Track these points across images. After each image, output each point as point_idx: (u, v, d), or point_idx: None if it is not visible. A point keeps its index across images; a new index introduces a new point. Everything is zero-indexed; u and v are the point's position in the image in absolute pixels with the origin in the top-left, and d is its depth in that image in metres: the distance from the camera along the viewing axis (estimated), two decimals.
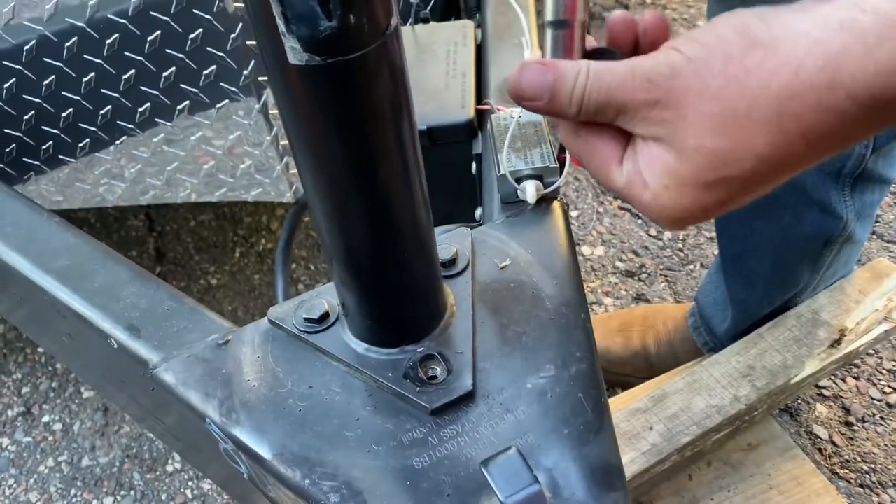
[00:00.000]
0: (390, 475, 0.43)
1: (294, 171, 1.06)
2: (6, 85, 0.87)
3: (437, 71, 0.75)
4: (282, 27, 0.29)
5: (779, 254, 0.96)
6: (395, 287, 0.45)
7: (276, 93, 0.33)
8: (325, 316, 0.50)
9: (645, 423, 0.94)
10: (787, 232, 0.93)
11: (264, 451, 0.45)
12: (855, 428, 1.11)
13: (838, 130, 0.35)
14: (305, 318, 0.50)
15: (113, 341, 0.55)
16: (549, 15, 0.44)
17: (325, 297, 0.51)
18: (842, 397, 1.15)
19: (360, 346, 0.48)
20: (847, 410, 1.13)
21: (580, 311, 0.52)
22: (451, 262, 0.53)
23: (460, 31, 0.80)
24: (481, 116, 0.71)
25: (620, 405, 0.96)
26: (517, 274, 0.53)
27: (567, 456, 0.43)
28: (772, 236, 0.95)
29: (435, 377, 0.47)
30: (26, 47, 0.86)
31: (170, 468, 1.17)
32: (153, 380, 0.51)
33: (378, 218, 0.39)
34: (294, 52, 0.29)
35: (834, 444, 1.09)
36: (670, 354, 1.12)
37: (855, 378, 1.17)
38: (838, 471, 1.07)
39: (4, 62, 0.86)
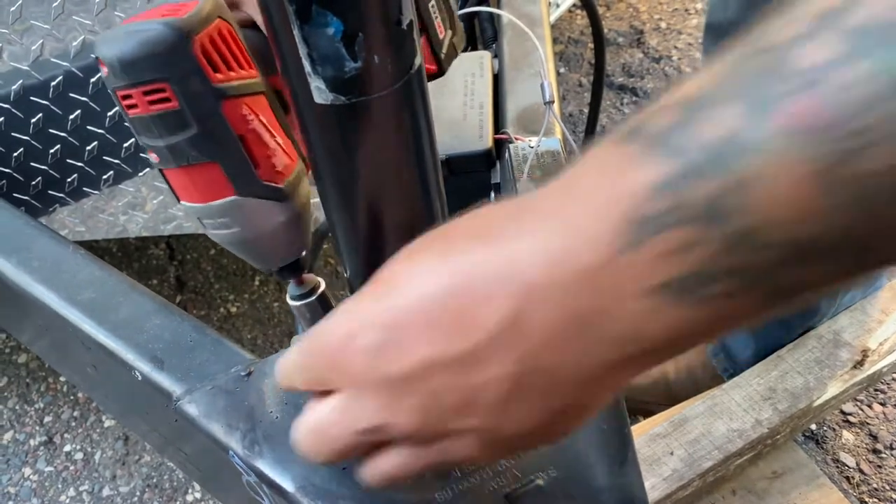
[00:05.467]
0: None
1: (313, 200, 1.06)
2: (33, 120, 0.89)
3: (454, 101, 0.76)
4: (308, 68, 0.29)
5: None
6: None
7: (302, 129, 0.34)
8: None
9: (666, 447, 0.92)
10: None
11: (287, 484, 0.45)
12: (883, 455, 1.09)
13: None
14: None
15: (137, 373, 0.55)
16: None
17: None
18: (868, 424, 1.13)
19: None
20: (874, 437, 1.11)
21: None
22: None
23: (477, 62, 0.81)
24: (499, 146, 0.71)
25: (640, 431, 0.95)
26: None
27: (591, 489, 0.43)
28: None
29: None
30: (53, 83, 0.88)
31: (189, 498, 1.17)
32: (177, 412, 0.52)
33: (403, 248, 0.40)
34: (320, 92, 0.30)
35: (861, 471, 1.07)
36: (690, 381, 1.11)
37: (881, 404, 1.15)
38: (867, 499, 1.04)
39: (32, 98, 0.88)
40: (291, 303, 0.49)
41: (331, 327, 0.31)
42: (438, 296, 0.28)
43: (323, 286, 0.49)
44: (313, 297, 0.48)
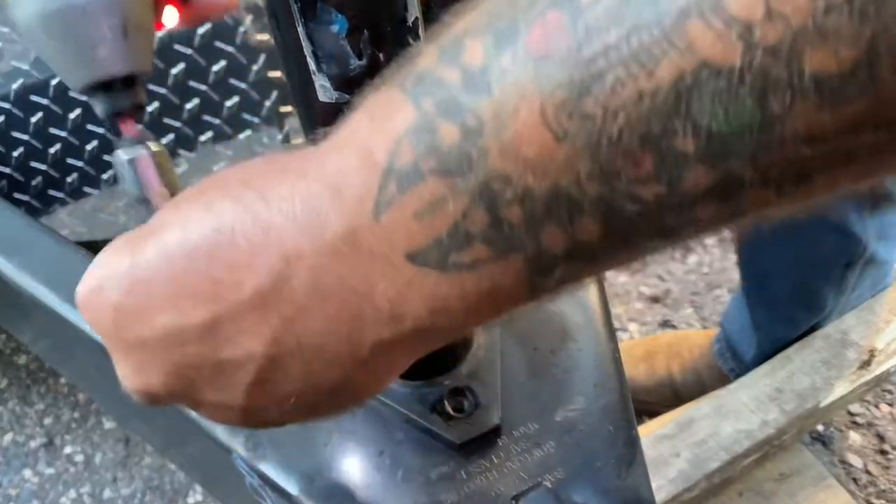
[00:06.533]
0: None
1: None
2: (34, 119, 0.89)
3: None
4: (312, 66, 0.29)
5: (800, 277, 0.95)
6: None
7: (305, 128, 0.33)
8: None
9: (672, 449, 0.92)
10: (807, 255, 0.92)
11: (291, 487, 0.45)
12: (890, 456, 1.08)
13: None
14: None
15: None
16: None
17: None
18: (875, 425, 1.12)
19: None
20: (882, 438, 1.10)
21: (609, 341, 0.51)
22: None
23: None
24: None
25: (646, 432, 0.95)
26: (544, 303, 0.53)
27: (598, 491, 0.42)
28: (792, 260, 0.94)
29: (462, 410, 0.46)
30: (53, 82, 0.88)
31: (191, 500, 1.16)
32: (179, 413, 0.51)
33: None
34: (324, 90, 0.29)
35: (869, 473, 1.07)
36: (696, 382, 1.10)
37: (889, 405, 1.14)
38: (874, 501, 1.04)
39: (32, 97, 0.88)
40: (114, 156, 0.39)
41: (88, 271, 0.27)
42: (190, 254, 0.24)
43: (157, 148, 0.38)
44: (139, 153, 0.37)
